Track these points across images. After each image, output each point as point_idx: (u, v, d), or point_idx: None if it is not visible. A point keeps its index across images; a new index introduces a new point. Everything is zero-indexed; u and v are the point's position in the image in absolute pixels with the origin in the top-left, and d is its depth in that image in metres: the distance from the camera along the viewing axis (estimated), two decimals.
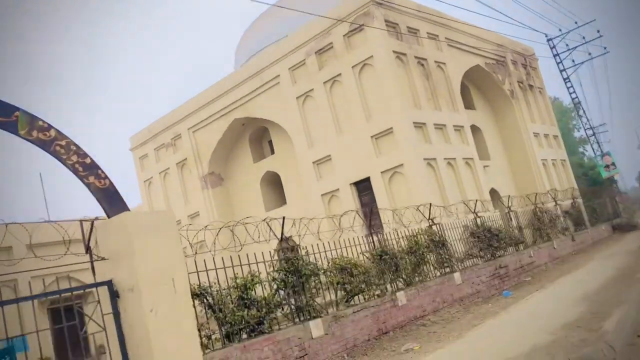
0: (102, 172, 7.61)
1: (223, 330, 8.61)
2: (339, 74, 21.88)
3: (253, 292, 9.25)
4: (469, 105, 27.59)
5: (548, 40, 34.10)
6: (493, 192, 26.10)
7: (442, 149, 21.60)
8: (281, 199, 26.28)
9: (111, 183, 7.66)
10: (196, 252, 8.48)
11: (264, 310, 9.21)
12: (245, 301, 9.05)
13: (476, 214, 17.37)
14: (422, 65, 22.56)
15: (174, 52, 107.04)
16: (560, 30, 33.91)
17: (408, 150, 20.23)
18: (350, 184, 21.88)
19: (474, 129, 27.21)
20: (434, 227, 14.95)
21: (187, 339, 7.37)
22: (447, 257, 14.71)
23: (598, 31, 33.66)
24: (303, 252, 10.38)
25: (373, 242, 12.60)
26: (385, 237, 12.92)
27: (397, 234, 13.71)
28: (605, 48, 34.50)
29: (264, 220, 10.04)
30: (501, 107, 29.15)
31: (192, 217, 27.58)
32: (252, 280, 9.25)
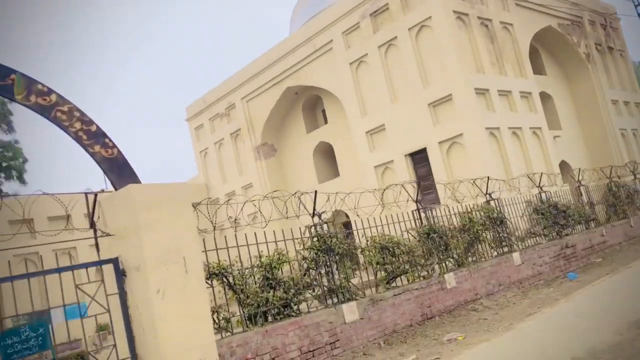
0: (110, 140, 7.02)
1: (245, 312, 7.95)
2: (395, 37, 20.54)
3: (280, 272, 8.52)
4: (538, 70, 25.47)
5: None
6: (564, 165, 24.16)
7: (507, 117, 19.96)
8: (334, 171, 25.45)
9: (119, 152, 7.06)
10: (215, 228, 7.80)
11: (291, 291, 8.48)
12: (271, 281, 8.34)
13: (541, 189, 15.83)
14: (486, 26, 20.80)
15: (231, 18, 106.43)
16: None
17: (468, 118, 18.80)
18: (405, 155, 20.72)
19: (544, 96, 25.14)
20: (491, 203, 13.66)
21: (198, 323, 6.75)
22: (505, 235, 13.42)
23: None
24: (339, 229, 9.52)
25: (420, 218, 11.54)
26: (433, 213, 11.82)
27: (449, 210, 12.60)
28: None
29: (294, 194, 9.23)
30: (575, 71, 26.74)
31: (245, 188, 27.30)
32: (279, 258, 8.51)
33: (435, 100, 19.54)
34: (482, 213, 13.10)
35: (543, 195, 15.81)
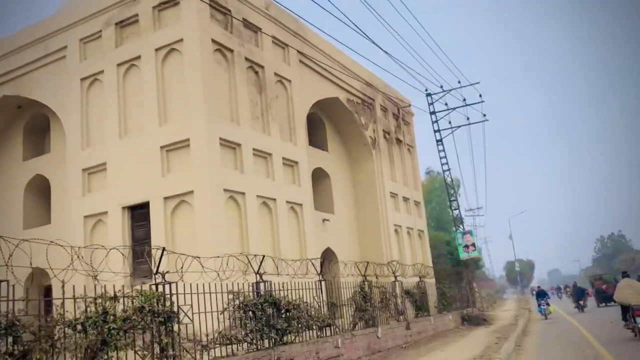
0: None
1: None
2: (138, 57, 15.99)
3: None
4: (320, 144, 22.75)
5: (427, 95, 30.65)
6: (329, 253, 21.04)
7: (259, 183, 16.12)
8: (47, 216, 19.35)
9: None
10: None
11: None
12: None
13: (260, 276, 11.80)
14: (257, 73, 17.29)
15: None
16: (441, 87, 30.62)
17: (204, 173, 14.51)
18: (124, 208, 15.67)
19: (322, 174, 22.32)
20: (160, 288, 9.08)
21: None
22: (166, 343, 8.82)
23: (480, 95, 30.65)
24: None
25: None
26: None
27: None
28: (484, 115, 31.54)
29: None
30: (359, 155, 24.59)
31: None
32: None
33: (170, 143, 15.07)
34: (136, 302, 8.44)
35: (262, 285, 11.78)
